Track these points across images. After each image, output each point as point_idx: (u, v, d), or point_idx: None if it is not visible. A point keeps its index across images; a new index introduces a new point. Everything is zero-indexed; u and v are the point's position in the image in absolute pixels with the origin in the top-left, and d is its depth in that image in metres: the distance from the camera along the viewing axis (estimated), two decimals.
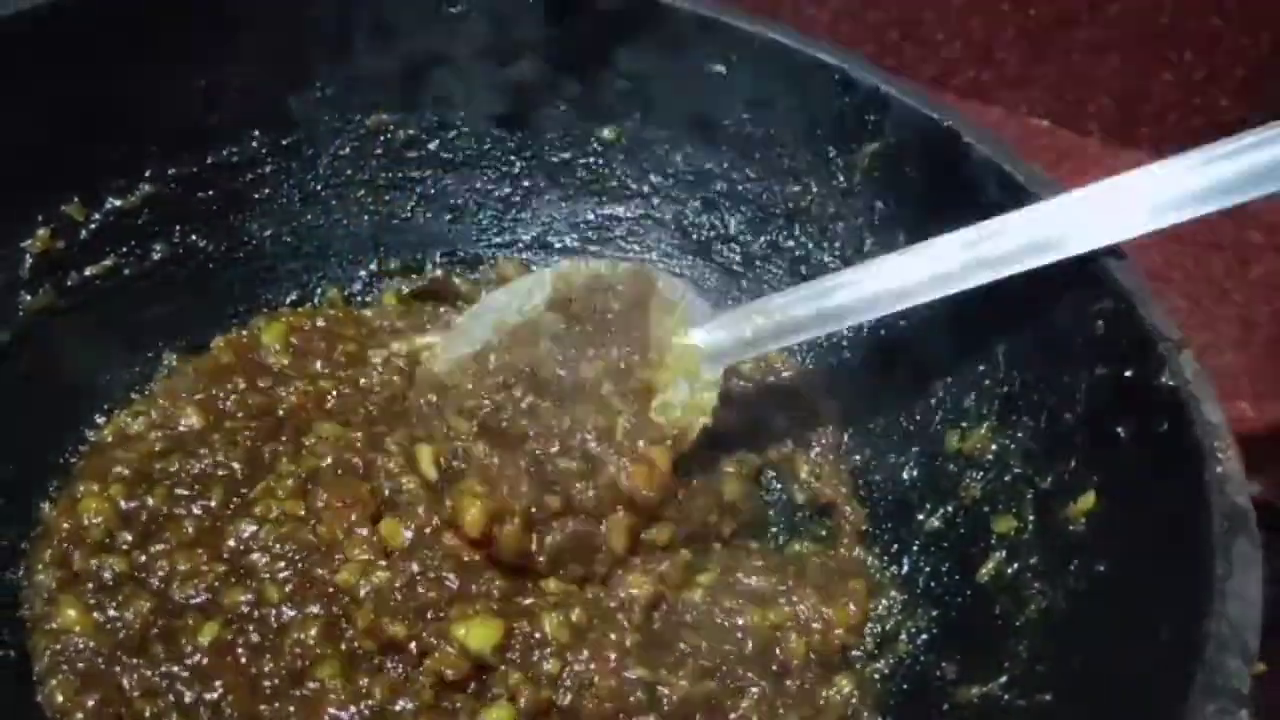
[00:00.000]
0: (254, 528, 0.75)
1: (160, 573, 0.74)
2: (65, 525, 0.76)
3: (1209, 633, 0.51)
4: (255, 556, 0.74)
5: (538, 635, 0.71)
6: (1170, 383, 0.62)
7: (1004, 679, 0.65)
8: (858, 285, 0.74)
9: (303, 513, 0.76)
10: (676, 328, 0.82)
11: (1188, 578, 0.54)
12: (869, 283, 0.74)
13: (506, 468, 0.76)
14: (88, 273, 0.85)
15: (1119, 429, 0.65)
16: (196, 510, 0.77)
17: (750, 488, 0.83)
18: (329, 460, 0.79)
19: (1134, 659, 0.56)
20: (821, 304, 0.76)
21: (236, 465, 0.80)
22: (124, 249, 0.87)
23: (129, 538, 0.76)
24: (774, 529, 0.87)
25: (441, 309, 0.97)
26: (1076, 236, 0.67)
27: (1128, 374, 0.65)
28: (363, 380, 0.88)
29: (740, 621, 0.75)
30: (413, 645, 0.70)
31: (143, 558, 0.75)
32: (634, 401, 0.80)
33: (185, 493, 0.78)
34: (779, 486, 0.89)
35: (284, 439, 0.82)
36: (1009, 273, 0.69)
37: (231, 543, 0.75)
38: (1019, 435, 0.74)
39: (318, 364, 0.89)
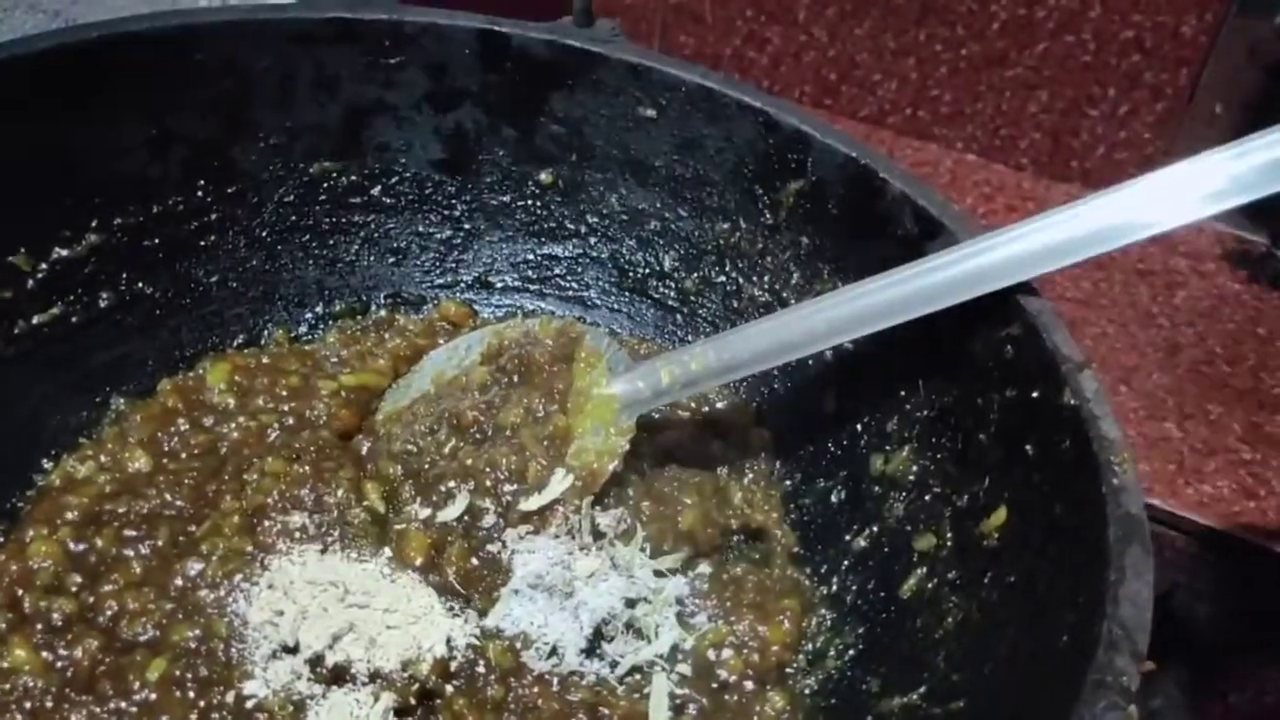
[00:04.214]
0: (200, 565, 0.77)
1: (109, 611, 0.75)
2: (14, 568, 0.77)
3: (1100, 635, 0.53)
4: (203, 593, 0.76)
5: (483, 662, 0.73)
6: (1072, 402, 0.65)
7: (923, 689, 0.67)
8: (754, 340, 0.78)
9: (250, 548, 0.78)
10: (598, 379, 0.86)
11: (1085, 584, 0.57)
12: (763, 338, 0.78)
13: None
14: (35, 321, 0.86)
15: (1027, 447, 0.68)
16: (144, 550, 0.78)
17: (707, 516, 0.86)
18: (275, 495, 0.81)
19: (1037, 663, 0.59)
20: (727, 355, 0.80)
21: (182, 504, 0.82)
22: (71, 297, 0.88)
23: (78, 579, 0.77)
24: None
25: (386, 338, 0.99)
26: (988, 279, 0.70)
27: (1034, 395, 0.68)
28: (307, 413, 0.90)
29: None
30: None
31: (91, 598, 0.76)
32: (550, 446, 0.83)
33: (133, 533, 0.79)
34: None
35: (226, 476, 0.84)
36: (910, 318, 0.72)
37: (179, 581, 0.76)
38: (938, 457, 0.77)
39: (260, 399, 0.91)
